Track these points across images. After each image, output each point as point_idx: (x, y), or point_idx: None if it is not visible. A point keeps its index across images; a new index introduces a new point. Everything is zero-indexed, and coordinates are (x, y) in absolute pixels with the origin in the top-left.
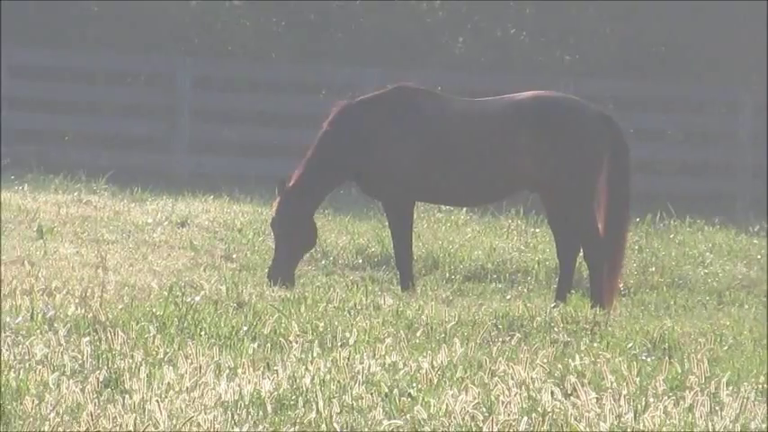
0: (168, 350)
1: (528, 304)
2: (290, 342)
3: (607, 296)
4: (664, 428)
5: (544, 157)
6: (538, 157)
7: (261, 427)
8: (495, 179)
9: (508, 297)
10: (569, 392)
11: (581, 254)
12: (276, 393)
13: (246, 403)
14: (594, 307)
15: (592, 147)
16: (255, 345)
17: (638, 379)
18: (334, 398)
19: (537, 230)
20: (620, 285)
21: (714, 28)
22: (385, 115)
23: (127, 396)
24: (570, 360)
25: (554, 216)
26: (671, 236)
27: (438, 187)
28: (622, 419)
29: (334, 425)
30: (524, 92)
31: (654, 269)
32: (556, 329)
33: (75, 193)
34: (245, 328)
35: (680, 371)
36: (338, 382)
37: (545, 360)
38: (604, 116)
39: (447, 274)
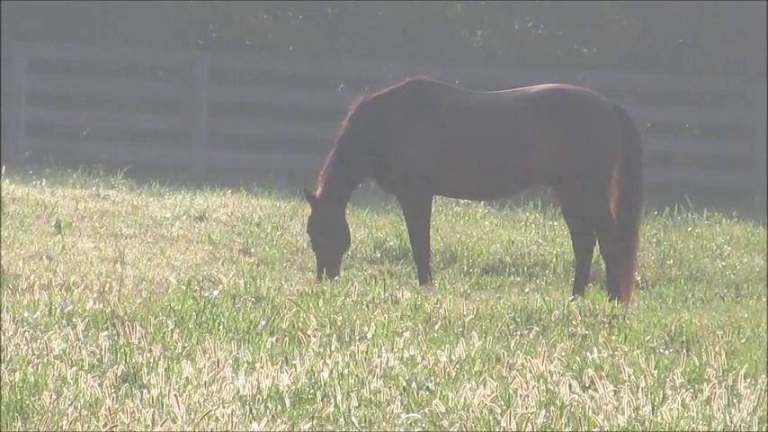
0: (186, 345)
1: (546, 297)
2: (309, 336)
3: (624, 289)
4: (681, 421)
5: (560, 149)
6: (554, 150)
7: (279, 422)
8: (512, 172)
9: (526, 290)
10: (587, 385)
11: (597, 247)
12: (294, 387)
13: (264, 397)
14: (612, 300)
15: (606, 139)
16: (274, 339)
17: (655, 372)
18: (352, 392)
19: (555, 223)
20: (637, 278)
21: (731, 21)
22: (401, 110)
23: (145, 391)
24: (588, 353)
25: (569, 209)
26: (689, 229)
27: (455, 181)
28: (640, 412)
29: (353, 419)
30: (539, 85)
31: (672, 262)
32: (574, 323)
33: (94, 188)
34: (264, 323)
35: (698, 363)
36: (356, 375)
37: (563, 353)
38: (618, 109)
39: (465, 268)
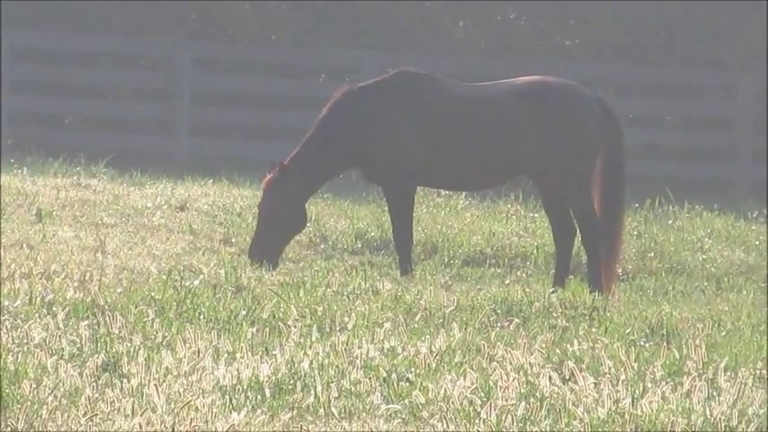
0: (167, 334)
1: (527, 289)
2: (289, 326)
3: (606, 281)
4: (661, 414)
5: (543, 141)
6: (537, 142)
7: (259, 412)
8: (496, 164)
9: (507, 282)
10: (567, 378)
11: (578, 239)
12: (274, 378)
13: (245, 387)
14: (593, 292)
15: (589, 131)
16: (254, 329)
17: (635, 364)
18: (332, 382)
19: (536, 215)
20: (618, 270)
21: (714, 13)
22: (388, 101)
23: (125, 380)
24: (568, 345)
25: (550, 201)
26: (670, 221)
27: (441, 172)
28: (620, 405)
29: (333, 409)
30: (522, 77)
31: (652, 254)
32: (554, 315)
33: (75, 177)
34: (244, 313)
35: (678, 356)
36: (336, 366)
37: (543, 345)
38: (600, 101)
39: (446, 259)
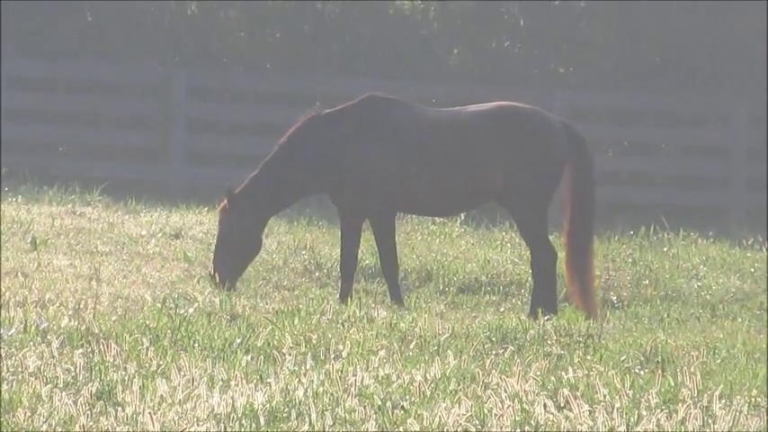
0: (161, 362)
1: (521, 317)
2: (284, 354)
3: (587, 305)
4: None
5: (507, 166)
6: (502, 167)
7: None
8: (464, 189)
9: (502, 309)
10: (562, 405)
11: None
12: (269, 406)
13: (239, 416)
14: (531, 318)
15: (551, 156)
16: (249, 357)
17: (630, 392)
18: (326, 410)
19: None
20: (612, 297)
21: (710, 41)
22: (356, 127)
23: (119, 408)
24: (563, 373)
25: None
26: (665, 249)
27: (409, 198)
28: None
29: None
30: (489, 102)
31: (647, 282)
32: (549, 342)
33: (70, 205)
34: (239, 341)
35: (673, 384)
36: (331, 394)
37: (538, 373)
38: (567, 126)
39: (441, 287)
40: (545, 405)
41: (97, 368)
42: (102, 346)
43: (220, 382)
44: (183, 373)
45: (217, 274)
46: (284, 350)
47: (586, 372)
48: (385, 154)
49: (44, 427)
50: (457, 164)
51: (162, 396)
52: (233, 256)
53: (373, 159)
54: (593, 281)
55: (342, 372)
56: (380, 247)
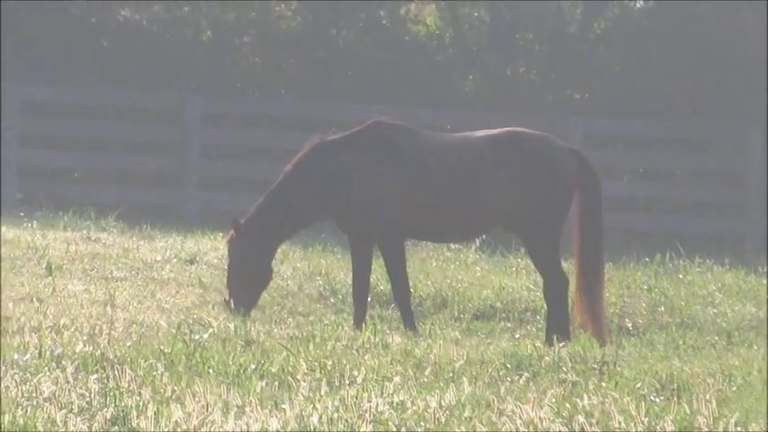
0: (176, 388)
1: (536, 343)
2: (298, 380)
3: (597, 330)
4: None
5: (516, 192)
6: (511, 192)
7: None
8: (472, 214)
9: (517, 336)
10: None
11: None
12: None
13: None
14: (548, 345)
15: (560, 183)
16: (263, 383)
17: (646, 419)
18: None
19: None
20: (628, 324)
21: (724, 67)
22: (362, 153)
23: None
24: (578, 400)
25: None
26: (680, 276)
27: (417, 223)
28: None
29: None
30: (497, 128)
31: (663, 309)
32: (564, 369)
33: (84, 231)
34: (253, 366)
35: (688, 411)
36: (346, 420)
37: (553, 400)
38: (576, 152)
39: (456, 313)
40: None
41: (112, 394)
42: (116, 372)
43: (235, 408)
44: (197, 398)
45: (232, 303)
46: (299, 376)
47: (602, 399)
48: (391, 180)
49: None
50: (464, 190)
51: (176, 422)
52: (244, 286)
53: (379, 185)
54: (603, 307)
55: (357, 398)
56: (391, 274)
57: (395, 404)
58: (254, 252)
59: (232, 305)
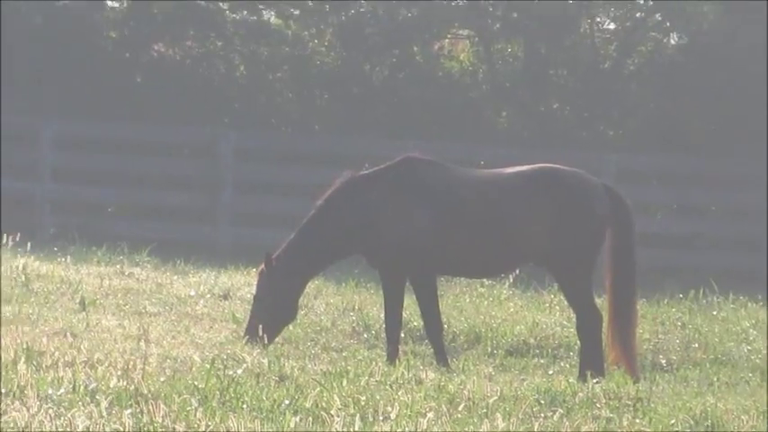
0: (210, 423)
1: (570, 380)
2: (332, 416)
3: (629, 366)
4: None
5: (549, 228)
6: (543, 229)
7: None
8: (503, 251)
9: (551, 372)
10: None
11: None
12: None
13: None
14: (581, 380)
15: (594, 219)
16: (297, 418)
17: None
18: None
19: None
20: (662, 361)
21: (758, 104)
22: (393, 188)
23: None
24: None
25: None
26: (714, 312)
27: (447, 259)
28: None
29: None
30: (530, 164)
31: (697, 345)
32: (598, 405)
33: (118, 266)
34: (287, 402)
35: None
36: None
37: None
38: (609, 188)
39: (489, 349)
40: None
41: (146, 429)
42: (150, 407)
43: None
44: None
45: (253, 336)
46: (333, 411)
47: None
48: (421, 215)
49: None
50: (495, 226)
51: None
52: (267, 320)
53: (409, 221)
54: (636, 344)
55: None
56: (422, 310)
57: None
58: (283, 287)
59: (253, 336)
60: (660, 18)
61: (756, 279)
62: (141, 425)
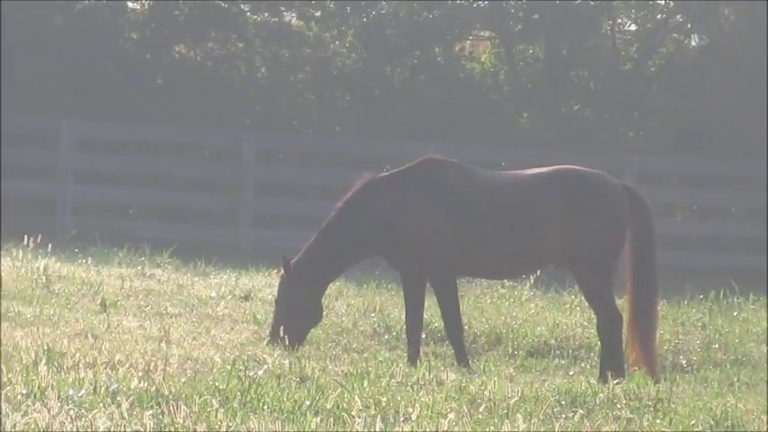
0: (231, 424)
1: (591, 380)
2: (353, 417)
3: (649, 367)
4: None
5: (570, 230)
6: (564, 230)
7: None
8: (524, 252)
9: (571, 373)
10: None
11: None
12: None
13: None
14: (602, 381)
15: (614, 220)
16: (318, 419)
17: None
18: None
19: None
20: (682, 361)
21: None
22: (413, 190)
23: None
24: None
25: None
26: (734, 313)
27: (468, 261)
28: None
29: None
30: (551, 166)
31: (717, 346)
32: (618, 406)
33: (139, 267)
34: (308, 403)
35: None
36: None
37: None
38: (629, 189)
39: (510, 350)
40: None
41: (167, 430)
42: (171, 408)
43: None
44: None
45: (283, 339)
46: (353, 412)
47: None
48: (442, 217)
49: None
50: (516, 227)
51: None
52: (292, 324)
53: (430, 222)
54: (657, 344)
55: None
56: (443, 311)
57: None
58: (304, 291)
59: (282, 340)
60: (681, 19)
61: None
62: (162, 426)
